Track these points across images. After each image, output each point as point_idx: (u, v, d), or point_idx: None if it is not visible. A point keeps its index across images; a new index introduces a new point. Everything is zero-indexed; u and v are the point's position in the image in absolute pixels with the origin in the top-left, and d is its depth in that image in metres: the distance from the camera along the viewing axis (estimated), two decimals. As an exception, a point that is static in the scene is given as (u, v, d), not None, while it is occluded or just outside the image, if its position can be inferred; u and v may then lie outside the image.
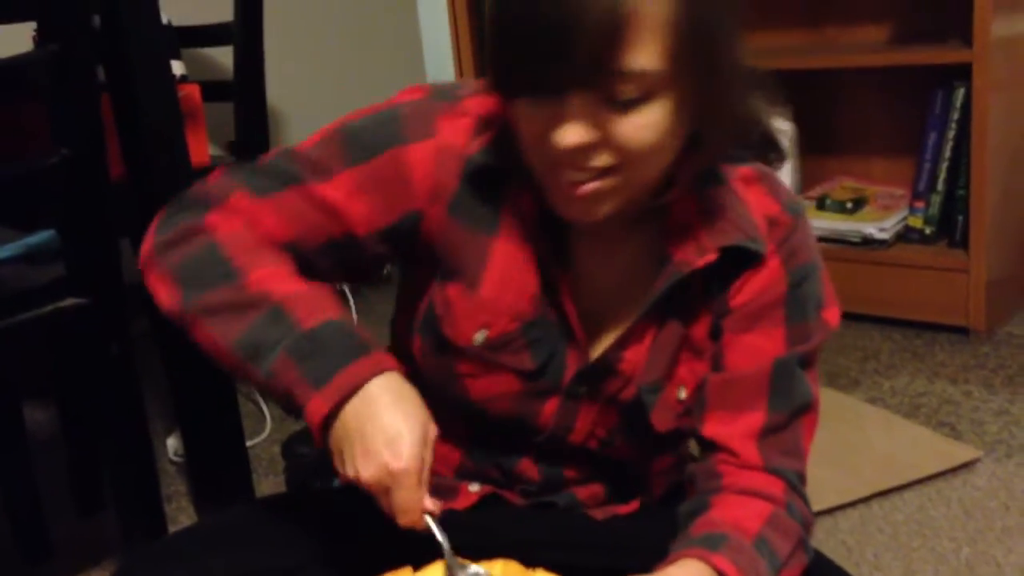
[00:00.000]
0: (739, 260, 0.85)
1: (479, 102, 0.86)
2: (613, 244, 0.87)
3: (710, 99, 0.75)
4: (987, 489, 1.47)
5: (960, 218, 2.06)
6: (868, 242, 2.14)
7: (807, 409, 0.88)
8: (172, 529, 1.49)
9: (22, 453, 1.53)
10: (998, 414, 1.70)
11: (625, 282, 0.88)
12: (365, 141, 0.85)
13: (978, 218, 1.97)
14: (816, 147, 2.43)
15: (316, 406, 0.74)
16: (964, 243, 2.03)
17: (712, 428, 0.87)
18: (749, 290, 0.86)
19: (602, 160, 0.74)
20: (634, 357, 0.87)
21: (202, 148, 1.77)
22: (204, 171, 1.70)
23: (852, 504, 1.47)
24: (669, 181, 0.81)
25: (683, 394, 0.88)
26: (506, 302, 0.86)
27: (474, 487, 0.95)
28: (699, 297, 0.87)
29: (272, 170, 0.86)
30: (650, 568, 0.79)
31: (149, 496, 1.41)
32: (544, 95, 0.72)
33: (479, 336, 0.87)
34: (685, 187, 0.82)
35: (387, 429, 0.73)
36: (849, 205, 2.23)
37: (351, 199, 0.84)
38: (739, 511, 0.83)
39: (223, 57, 2.09)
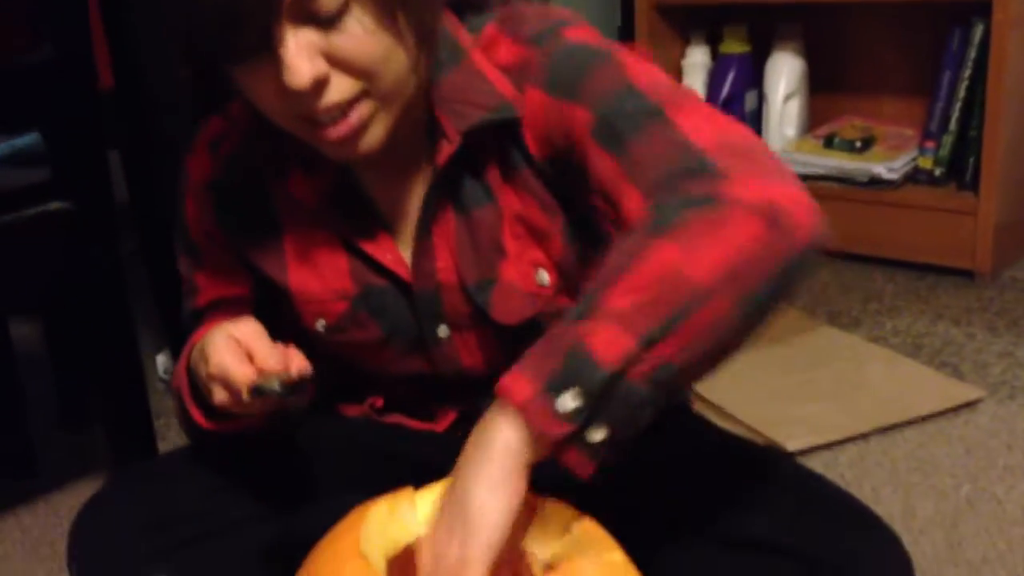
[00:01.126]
0: (508, 129, 0.79)
1: (208, 130, 0.89)
2: (399, 168, 0.84)
3: None
4: (989, 428, 1.45)
5: (971, 160, 2.02)
6: (876, 182, 2.10)
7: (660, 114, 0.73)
8: (162, 447, 1.47)
9: (6, 366, 1.50)
10: (1001, 356, 1.67)
11: (414, 191, 0.85)
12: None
13: (990, 160, 1.92)
14: (825, 84, 2.37)
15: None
16: (974, 185, 1.99)
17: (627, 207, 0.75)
18: (535, 133, 0.79)
19: (344, 88, 0.72)
20: (447, 263, 0.84)
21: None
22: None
23: (851, 439, 1.45)
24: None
25: (546, 278, 0.84)
26: (322, 289, 0.86)
27: (453, 409, 0.93)
28: (501, 170, 0.82)
29: None
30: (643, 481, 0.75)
31: (138, 413, 1.38)
32: (253, 52, 0.70)
33: (319, 325, 0.87)
34: (425, 82, 0.78)
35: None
36: (858, 144, 2.18)
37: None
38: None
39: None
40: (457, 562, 0.63)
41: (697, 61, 2.45)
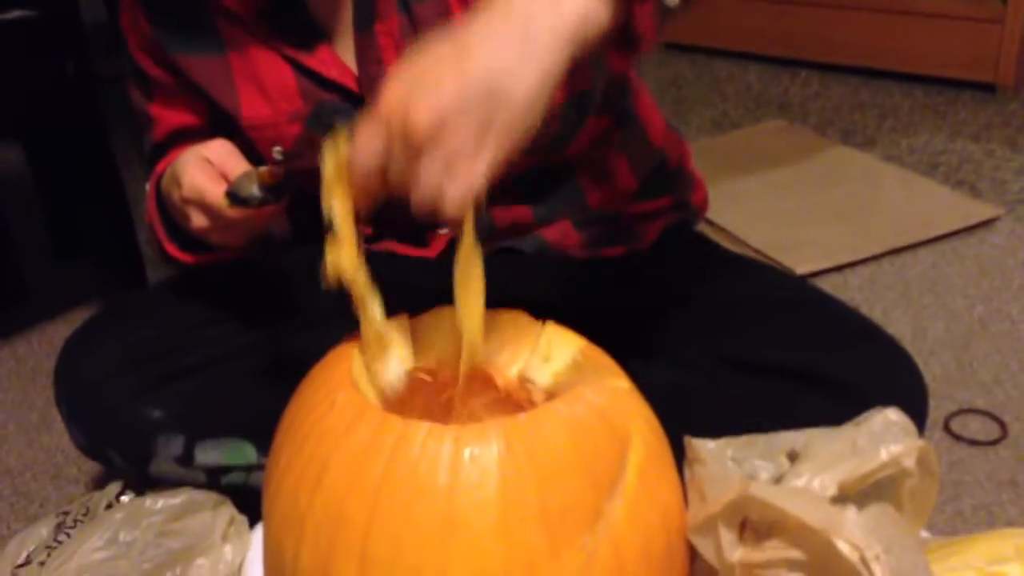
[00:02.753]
0: None
1: None
2: None
3: None
4: (1005, 247, 1.41)
5: (1001, -36, 1.89)
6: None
7: None
8: (152, 274, 1.43)
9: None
10: (1020, 173, 1.61)
11: None
12: None
13: (1021, -35, 1.80)
14: None
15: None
16: (1002, -8, 1.87)
17: None
18: None
19: None
20: (392, 62, 0.77)
21: None
22: None
23: (863, 261, 1.41)
24: None
25: None
26: (274, 113, 0.80)
27: (444, 229, 0.88)
28: None
29: None
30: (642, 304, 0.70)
31: (124, 240, 1.34)
32: None
33: (276, 153, 0.81)
34: None
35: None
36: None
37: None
38: None
39: None
40: (454, 111, 0.54)
41: None
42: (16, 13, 1.09)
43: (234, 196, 0.69)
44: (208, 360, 0.85)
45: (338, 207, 0.62)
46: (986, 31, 1.87)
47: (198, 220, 0.73)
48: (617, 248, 0.91)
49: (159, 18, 0.82)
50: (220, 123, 0.85)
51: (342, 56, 0.80)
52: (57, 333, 1.41)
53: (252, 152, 0.84)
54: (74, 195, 1.34)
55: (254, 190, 0.69)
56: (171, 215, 0.80)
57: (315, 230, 0.91)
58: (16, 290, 1.48)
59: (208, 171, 0.71)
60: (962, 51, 1.91)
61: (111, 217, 1.33)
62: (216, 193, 0.70)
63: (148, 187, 0.88)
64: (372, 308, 0.66)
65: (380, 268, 0.89)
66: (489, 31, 0.55)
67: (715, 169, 1.72)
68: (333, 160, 0.61)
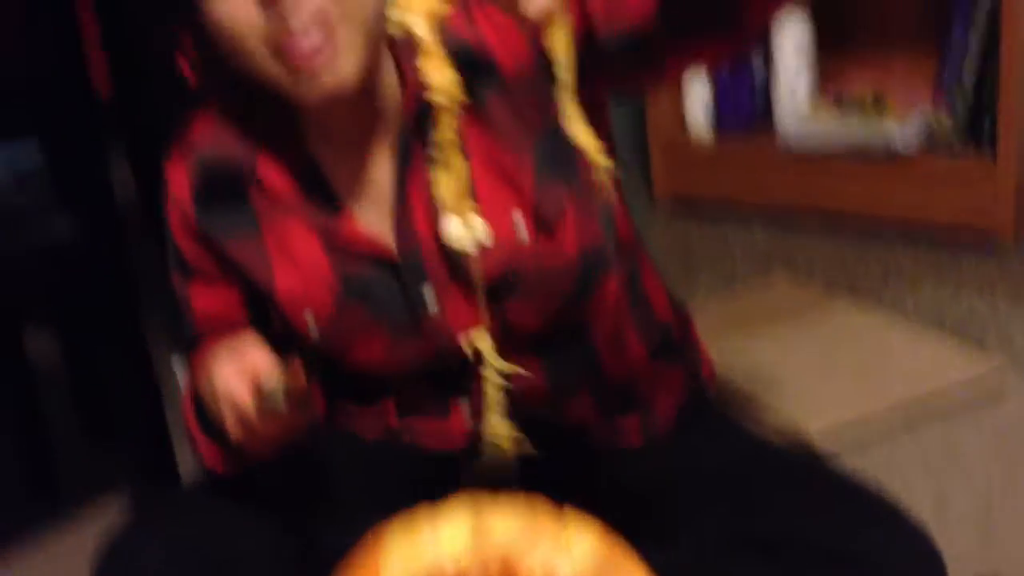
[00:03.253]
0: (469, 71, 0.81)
1: (182, 135, 0.88)
2: (359, 136, 0.84)
3: None
4: (1020, 413, 1.42)
5: (987, 119, 1.97)
6: (891, 150, 2.06)
7: None
8: (182, 456, 1.45)
9: (24, 383, 1.50)
10: (1026, 327, 1.64)
11: (382, 154, 0.85)
12: None
13: (1007, 120, 1.88)
14: (833, 43, 2.31)
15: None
16: (992, 147, 1.94)
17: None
18: (507, 46, 0.81)
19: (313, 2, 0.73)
20: (423, 216, 0.84)
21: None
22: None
23: (879, 430, 1.42)
24: None
25: (520, 220, 0.83)
26: (307, 286, 0.85)
27: (464, 402, 0.91)
28: (465, 118, 0.82)
29: None
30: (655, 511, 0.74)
31: (154, 426, 1.38)
32: None
33: (311, 325, 0.86)
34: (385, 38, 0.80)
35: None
36: (869, 103, 2.14)
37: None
38: None
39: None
40: None
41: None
42: (63, 220, 1.16)
43: (262, 400, 0.73)
44: (237, 558, 0.87)
45: None
46: (980, 186, 1.93)
47: (233, 427, 0.77)
48: (632, 416, 0.94)
49: (202, 201, 0.87)
50: (256, 302, 0.90)
51: (372, 225, 0.85)
52: (88, 531, 1.40)
53: (285, 329, 0.89)
54: (105, 379, 1.38)
55: (280, 399, 0.73)
56: (209, 417, 0.83)
57: (345, 423, 0.95)
58: (47, 481, 1.51)
59: (238, 368, 0.75)
60: (959, 206, 1.97)
61: (142, 402, 1.38)
62: (244, 391, 0.74)
63: (183, 385, 0.92)
64: None
65: (405, 462, 0.92)
66: None
67: (724, 328, 1.76)
68: None
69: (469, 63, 0.81)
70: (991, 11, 1.91)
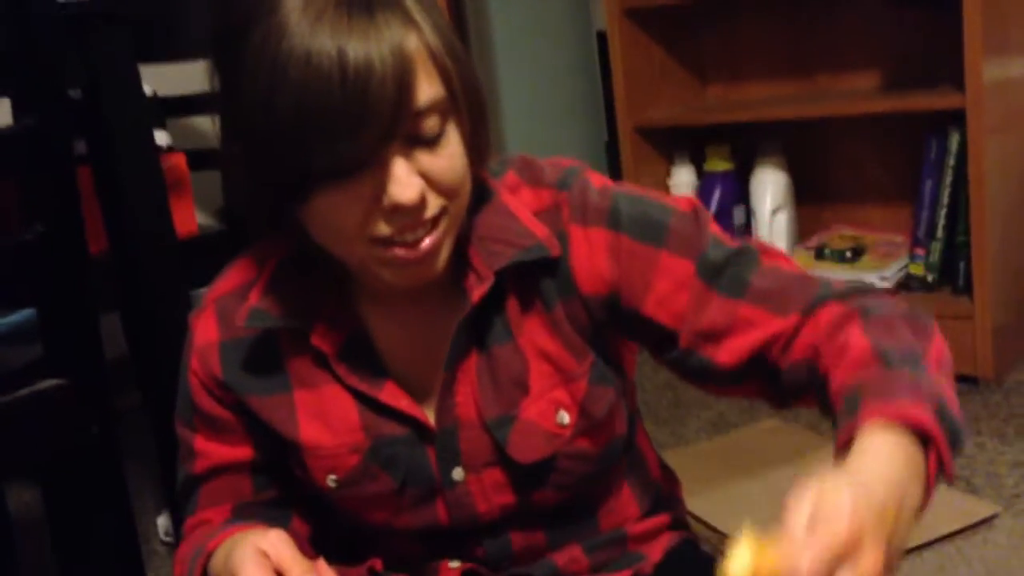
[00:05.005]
0: (535, 268, 0.83)
1: (216, 287, 0.89)
2: (411, 303, 0.85)
3: (473, 113, 0.78)
4: (1008, 546, 1.42)
5: (962, 264, 2.03)
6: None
7: (756, 258, 0.82)
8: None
9: (5, 536, 1.47)
10: (1014, 466, 1.65)
11: (435, 337, 0.85)
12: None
13: (980, 264, 1.94)
14: (811, 196, 2.41)
15: None
16: (968, 290, 1.99)
17: (737, 353, 0.81)
18: (591, 268, 0.82)
19: (434, 204, 0.75)
20: (466, 399, 0.84)
21: (189, 217, 1.74)
22: (192, 241, 1.69)
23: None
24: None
25: (566, 418, 0.84)
26: (334, 444, 0.85)
27: (454, 563, 0.90)
28: (525, 310, 0.84)
29: None
30: None
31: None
32: (360, 167, 0.71)
33: (331, 481, 0.86)
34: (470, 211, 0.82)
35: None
36: (848, 254, 2.20)
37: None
38: (837, 361, 0.75)
39: (210, 124, 2.07)
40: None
41: (683, 180, 2.49)
42: (49, 382, 1.17)
43: None
44: None
45: None
46: (960, 327, 1.96)
47: None
48: (624, 573, 0.93)
49: (230, 353, 0.86)
50: (272, 455, 0.89)
51: (413, 394, 0.85)
52: None
53: (300, 475, 0.88)
54: (86, 539, 1.36)
55: None
56: None
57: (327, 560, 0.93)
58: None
59: (264, 569, 0.74)
60: (939, 346, 1.99)
61: (122, 561, 1.35)
62: None
63: (180, 556, 0.88)
64: None
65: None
66: (895, 511, 0.61)
67: (715, 472, 1.76)
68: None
69: (548, 269, 0.83)
70: (956, 166, 1.99)
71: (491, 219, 0.83)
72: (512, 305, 0.84)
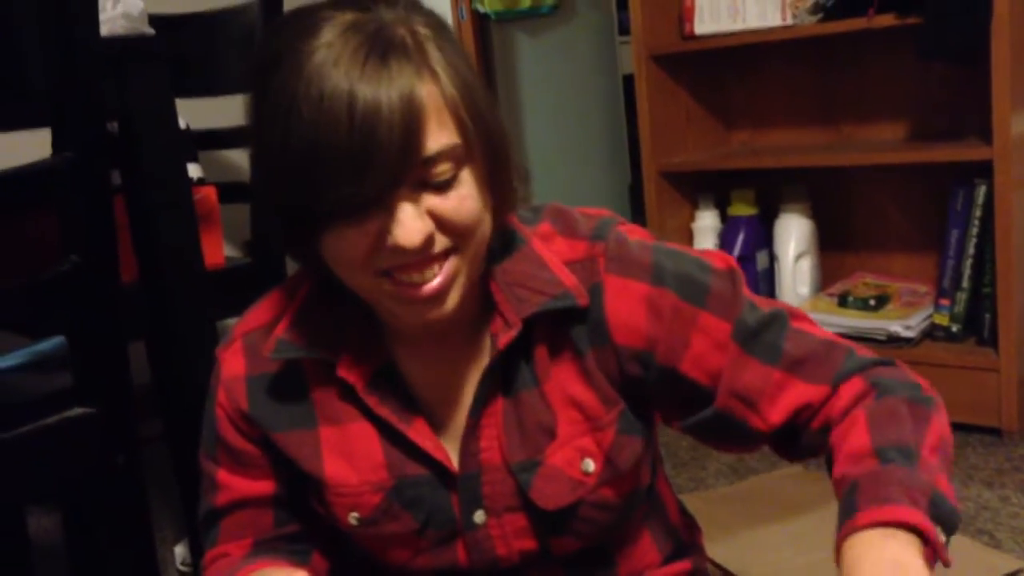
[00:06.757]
0: (566, 316, 0.83)
1: (245, 321, 0.90)
2: (437, 344, 0.86)
3: (492, 160, 0.79)
4: (1033, 604, 1.40)
5: (987, 316, 2.02)
6: (893, 340, 2.10)
7: (787, 324, 0.85)
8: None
9: (24, 564, 1.48)
10: (1038, 521, 1.62)
11: (461, 378, 0.86)
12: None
13: (1006, 316, 1.93)
14: (835, 243, 2.41)
15: None
16: (993, 341, 1.98)
17: (772, 420, 0.84)
18: (628, 320, 0.83)
19: (440, 244, 0.76)
20: (491, 443, 0.84)
21: (217, 249, 1.77)
22: (219, 273, 1.70)
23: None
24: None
25: (591, 466, 0.84)
26: (358, 481, 0.86)
27: None
28: (554, 356, 0.84)
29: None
30: None
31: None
32: (367, 208, 0.73)
33: (353, 518, 0.87)
34: (494, 256, 0.83)
35: None
36: (872, 302, 2.19)
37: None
38: (841, 445, 0.80)
39: (241, 158, 2.10)
40: None
41: (707, 224, 2.50)
42: (77, 411, 1.18)
43: None
44: None
45: None
46: (984, 379, 1.95)
47: None
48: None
49: (257, 387, 0.87)
50: (294, 490, 0.89)
51: (439, 434, 0.86)
52: None
53: (322, 511, 0.88)
54: (108, 564, 1.36)
55: None
56: None
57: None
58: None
59: None
60: (963, 398, 1.98)
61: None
62: None
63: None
64: None
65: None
66: None
67: (736, 519, 1.74)
68: None
69: (578, 318, 0.83)
70: (983, 217, 1.99)
71: (520, 266, 0.84)
72: (540, 351, 0.84)
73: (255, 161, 0.78)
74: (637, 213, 2.76)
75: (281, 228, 0.79)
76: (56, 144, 1.32)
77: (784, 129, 2.47)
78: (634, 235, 0.86)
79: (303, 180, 0.72)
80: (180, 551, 1.79)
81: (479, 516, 0.85)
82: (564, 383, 0.84)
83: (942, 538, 0.72)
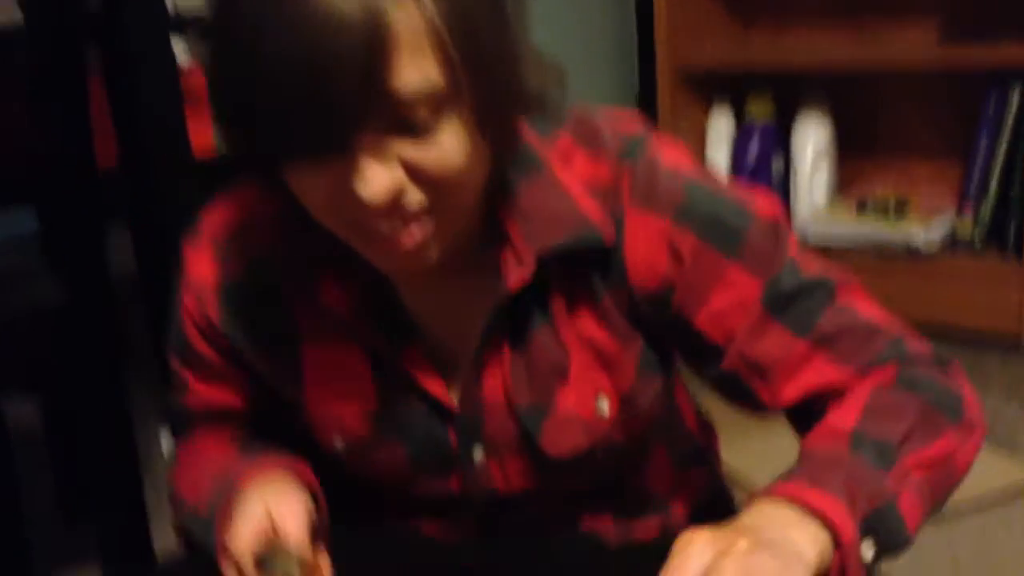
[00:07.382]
0: (586, 254, 0.72)
1: (213, 218, 0.79)
2: (446, 280, 0.74)
3: (497, 97, 0.64)
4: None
5: (1013, 224, 1.95)
6: (912, 248, 2.03)
7: (832, 295, 0.74)
8: (159, 531, 1.39)
9: (3, 456, 1.44)
10: (1058, 432, 1.59)
11: (467, 308, 0.75)
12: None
13: (1034, 223, 1.86)
14: (855, 148, 2.32)
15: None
16: (1017, 249, 1.92)
17: (784, 396, 0.74)
18: (646, 259, 0.72)
19: (414, 200, 0.63)
20: (495, 383, 0.75)
21: (206, 134, 1.68)
22: (208, 162, 1.63)
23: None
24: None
25: (605, 409, 0.76)
26: (342, 407, 0.77)
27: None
28: (569, 295, 0.74)
29: None
30: None
31: (131, 505, 1.32)
32: (324, 151, 0.60)
33: (338, 444, 0.79)
34: (492, 189, 0.70)
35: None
36: (891, 208, 2.12)
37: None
38: (826, 417, 0.71)
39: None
40: None
41: (721, 127, 2.41)
42: (53, 295, 1.13)
43: (265, 563, 0.68)
44: None
45: None
46: (1005, 288, 1.90)
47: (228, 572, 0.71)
48: (650, 521, 0.87)
49: (230, 300, 0.78)
50: (271, 411, 0.83)
51: (432, 357, 0.76)
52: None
53: (303, 433, 0.81)
54: (85, 454, 1.33)
55: (294, 571, 0.67)
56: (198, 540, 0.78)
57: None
58: (20, 561, 1.45)
59: (264, 533, 0.69)
60: (983, 309, 1.93)
61: (120, 480, 1.32)
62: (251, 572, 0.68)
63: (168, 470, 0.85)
64: None
65: (411, 551, 0.85)
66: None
67: (753, 422, 1.70)
68: None
69: (597, 258, 0.73)
70: (1017, 121, 1.91)
71: (538, 192, 0.72)
72: (554, 289, 0.74)
73: (209, 71, 0.64)
74: (647, 118, 2.67)
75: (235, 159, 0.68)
76: (28, 14, 1.24)
77: (806, 27, 2.36)
78: (668, 159, 0.73)
79: (246, 106, 0.60)
80: (168, 444, 1.76)
81: (477, 453, 0.78)
82: (579, 324, 0.75)
83: (865, 553, 0.62)
